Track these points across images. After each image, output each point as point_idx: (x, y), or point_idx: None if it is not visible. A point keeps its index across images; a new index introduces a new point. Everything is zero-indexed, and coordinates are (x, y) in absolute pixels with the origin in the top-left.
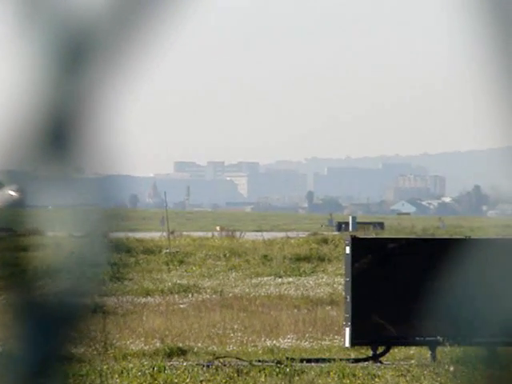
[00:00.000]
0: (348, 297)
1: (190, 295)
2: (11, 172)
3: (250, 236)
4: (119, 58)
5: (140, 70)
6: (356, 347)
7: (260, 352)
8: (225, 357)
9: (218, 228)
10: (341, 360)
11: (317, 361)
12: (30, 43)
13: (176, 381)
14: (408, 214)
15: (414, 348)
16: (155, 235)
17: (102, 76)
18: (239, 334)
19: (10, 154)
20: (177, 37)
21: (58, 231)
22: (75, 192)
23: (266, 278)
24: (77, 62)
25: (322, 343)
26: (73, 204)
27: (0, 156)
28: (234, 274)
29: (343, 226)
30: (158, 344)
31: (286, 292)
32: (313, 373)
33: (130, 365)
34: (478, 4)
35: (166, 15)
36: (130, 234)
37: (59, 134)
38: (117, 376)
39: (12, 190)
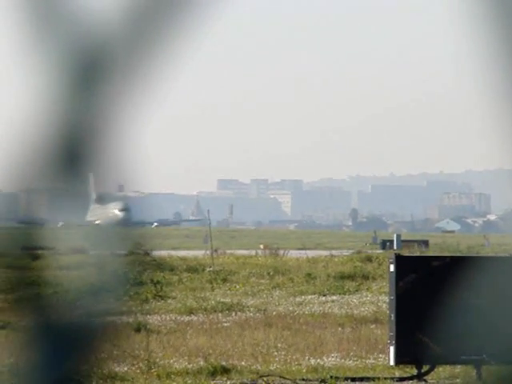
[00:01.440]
0: (392, 315)
1: (233, 313)
2: (33, 190)
3: (294, 254)
4: (136, 73)
5: (157, 87)
6: (401, 366)
7: (304, 371)
8: (268, 375)
9: (261, 246)
10: (385, 379)
11: (361, 379)
12: (47, 59)
13: None
14: (453, 231)
15: (459, 367)
16: (199, 253)
17: (119, 92)
18: (283, 353)
19: (29, 172)
20: (194, 50)
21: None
22: (109, 210)
23: (309, 297)
24: (93, 78)
25: (367, 362)
26: (111, 222)
27: (21, 174)
28: (277, 292)
29: (388, 243)
30: (201, 362)
31: (329, 310)
32: None
33: (174, 383)
34: (483, 18)
35: (181, 31)
36: (174, 253)
37: (76, 150)
38: None
39: (117, 208)
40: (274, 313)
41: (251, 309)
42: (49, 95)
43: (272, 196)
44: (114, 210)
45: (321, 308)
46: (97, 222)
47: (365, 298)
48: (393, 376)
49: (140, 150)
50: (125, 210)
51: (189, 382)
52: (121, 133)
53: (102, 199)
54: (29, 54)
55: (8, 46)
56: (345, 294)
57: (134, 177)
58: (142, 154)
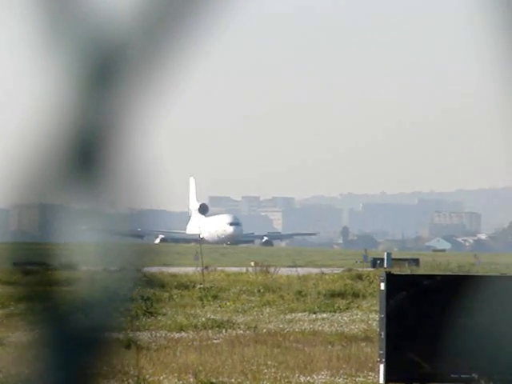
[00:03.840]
0: (382, 333)
1: (223, 331)
2: (40, 204)
3: (285, 271)
4: (149, 76)
5: (169, 90)
6: None
7: None
8: None
9: (252, 263)
10: None
11: None
12: (61, 61)
13: None
14: (443, 250)
15: None
16: (189, 270)
17: (131, 94)
18: (273, 370)
19: (39, 181)
20: (206, 56)
21: (92, 266)
22: (107, 226)
23: (300, 314)
24: (107, 80)
25: (357, 380)
26: (105, 238)
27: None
28: (268, 309)
29: (378, 262)
30: (191, 379)
31: (320, 328)
32: None
33: None
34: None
35: (195, 34)
36: (164, 269)
37: (87, 154)
38: None
39: (227, 222)
40: (265, 330)
41: (241, 326)
42: (63, 97)
43: (263, 213)
44: (224, 224)
45: (311, 326)
46: (202, 237)
47: (355, 316)
48: None
49: (150, 158)
50: (236, 224)
51: None
52: (133, 136)
53: (205, 210)
54: (43, 56)
55: (23, 47)
56: (335, 312)
57: (146, 188)
58: (152, 161)
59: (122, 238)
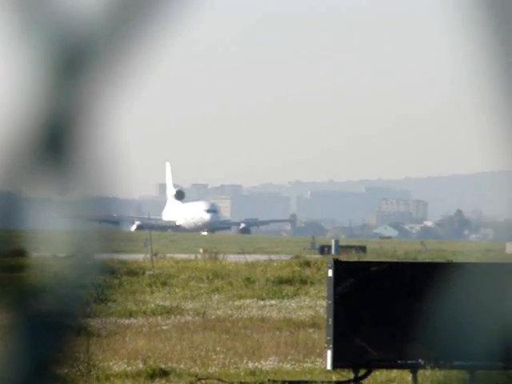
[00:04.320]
0: (330, 319)
1: (172, 317)
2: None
3: (233, 258)
4: (116, 66)
5: (135, 80)
6: (338, 370)
7: (242, 374)
8: (207, 378)
9: (201, 250)
10: (322, 382)
11: (298, 383)
12: (28, 51)
13: None
14: (390, 237)
15: (395, 371)
16: (139, 257)
17: (98, 84)
18: (221, 356)
19: (6, 169)
20: (172, 48)
21: (43, 252)
22: (62, 212)
23: (248, 301)
24: (74, 70)
25: (304, 365)
26: (59, 225)
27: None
28: (216, 296)
29: (326, 249)
30: (140, 365)
31: (268, 314)
32: None
33: None
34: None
35: (163, 25)
36: (114, 256)
37: (55, 142)
38: None
39: (204, 209)
40: (213, 316)
41: (190, 312)
42: (32, 87)
43: (212, 201)
44: (200, 211)
45: (259, 312)
46: (178, 224)
47: (303, 303)
48: (330, 380)
49: (115, 150)
50: (212, 211)
51: None
52: (100, 124)
53: (181, 196)
54: (12, 47)
55: None
56: (283, 299)
57: (106, 178)
58: (116, 153)
59: (93, 225)
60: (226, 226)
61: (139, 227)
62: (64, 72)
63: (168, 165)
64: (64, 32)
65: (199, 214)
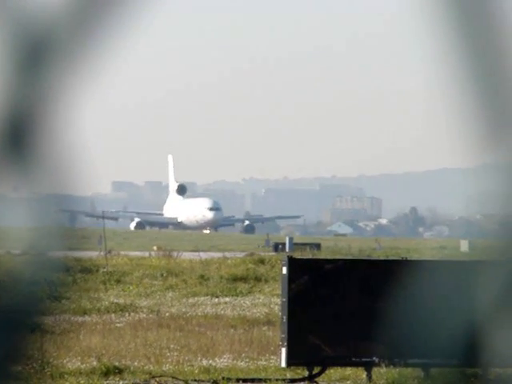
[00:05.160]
0: (284, 317)
1: (126, 314)
2: None
3: (188, 256)
4: (76, 60)
5: (95, 74)
6: (292, 367)
7: (196, 371)
8: (161, 376)
9: (155, 248)
10: (277, 380)
11: (252, 381)
12: None
13: None
14: (345, 235)
15: (349, 369)
16: (93, 254)
17: (59, 78)
18: (175, 354)
19: None
20: (133, 42)
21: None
22: (16, 210)
23: (202, 298)
24: (35, 64)
25: (258, 363)
26: (13, 221)
27: None
28: (170, 293)
29: (280, 246)
30: (94, 363)
31: (222, 312)
32: None
33: (67, 383)
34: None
35: (124, 18)
36: (69, 253)
37: (16, 136)
38: None
39: (207, 206)
40: (167, 314)
41: (144, 310)
42: None
43: (165, 198)
44: (203, 209)
45: (213, 309)
46: (180, 220)
47: (257, 300)
48: (284, 377)
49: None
50: (216, 209)
51: (82, 382)
52: (60, 116)
53: (183, 190)
54: None
55: None
56: (237, 296)
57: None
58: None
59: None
60: (229, 223)
61: (139, 224)
62: (25, 66)
63: (170, 158)
64: (25, 26)
65: (201, 211)
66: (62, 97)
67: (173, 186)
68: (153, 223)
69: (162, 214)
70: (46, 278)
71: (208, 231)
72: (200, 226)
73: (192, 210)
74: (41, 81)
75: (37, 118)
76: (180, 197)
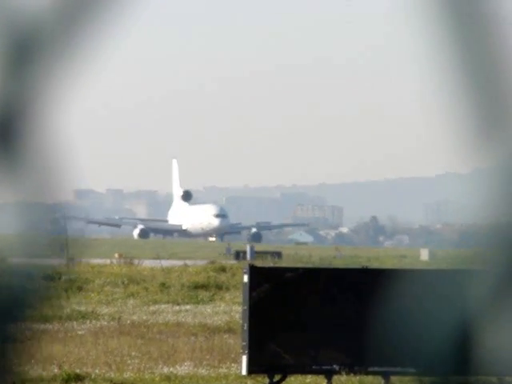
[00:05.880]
0: (245, 325)
1: (88, 322)
2: None
3: (149, 263)
4: (62, 58)
5: (82, 72)
6: (253, 375)
7: (157, 379)
8: (122, 383)
9: (116, 255)
10: None
11: None
12: None
13: None
14: (306, 243)
15: (310, 376)
16: (55, 262)
17: (46, 76)
18: (136, 361)
19: None
20: (119, 41)
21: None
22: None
23: (163, 306)
24: (21, 62)
25: (219, 371)
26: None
27: None
28: (132, 301)
29: (241, 254)
30: (55, 370)
31: (183, 319)
32: None
33: None
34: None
35: (110, 17)
36: (33, 260)
37: (8, 128)
38: None
39: (213, 213)
40: (128, 321)
41: (105, 317)
42: None
43: (127, 206)
44: (209, 216)
45: (174, 317)
46: (185, 228)
47: (218, 308)
48: None
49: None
50: (222, 216)
51: None
52: (47, 113)
53: (189, 197)
54: None
55: None
56: (198, 304)
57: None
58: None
59: (29, 229)
60: (235, 230)
61: (143, 232)
62: (12, 63)
63: (175, 162)
64: (12, 25)
65: (207, 218)
66: (49, 96)
67: (177, 193)
68: (157, 230)
69: (167, 221)
70: (10, 285)
71: (214, 239)
72: (205, 234)
73: (197, 217)
74: (28, 79)
75: (24, 117)
76: (185, 203)
